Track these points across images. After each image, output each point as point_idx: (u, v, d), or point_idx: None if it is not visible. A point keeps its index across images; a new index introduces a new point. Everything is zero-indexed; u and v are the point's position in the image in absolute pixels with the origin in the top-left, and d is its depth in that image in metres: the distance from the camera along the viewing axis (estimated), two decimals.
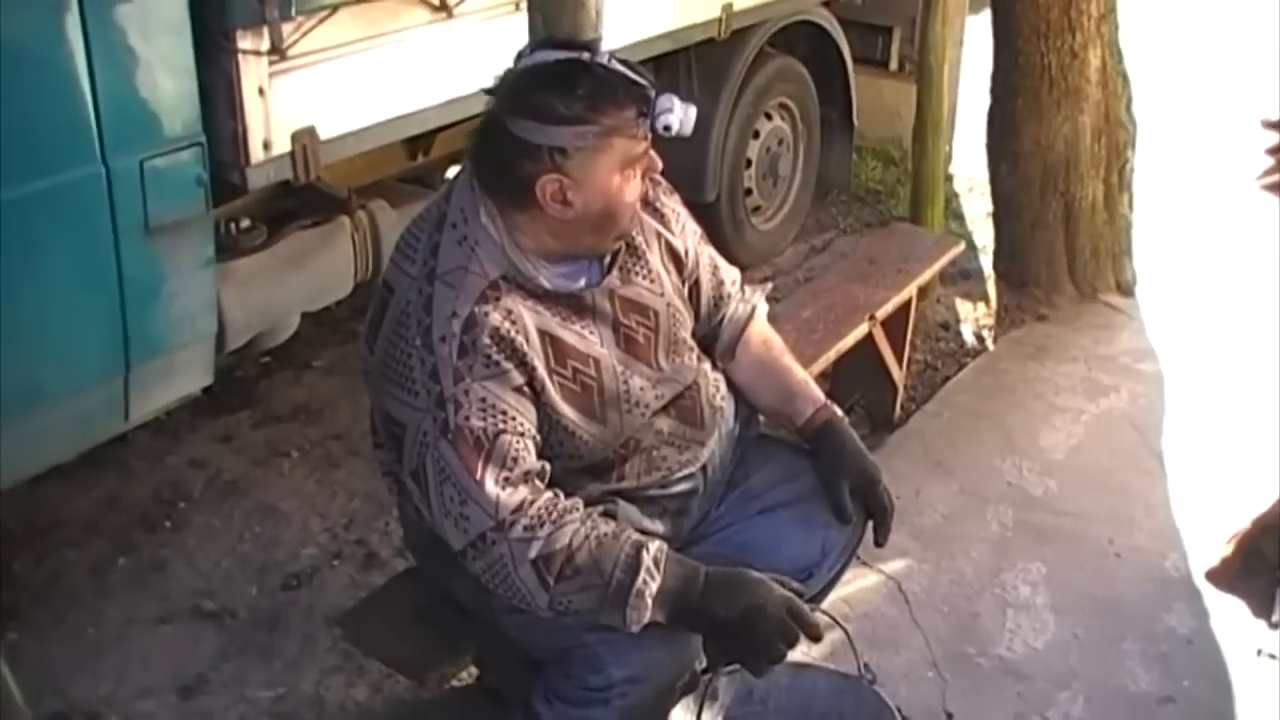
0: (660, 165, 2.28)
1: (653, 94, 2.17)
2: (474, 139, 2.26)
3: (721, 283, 2.60)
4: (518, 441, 2.13)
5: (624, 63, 2.19)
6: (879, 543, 2.57)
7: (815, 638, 2.23)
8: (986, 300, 5.31)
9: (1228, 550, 3.50)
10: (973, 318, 5.21)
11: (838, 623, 2.40)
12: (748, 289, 2.69)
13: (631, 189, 2.22)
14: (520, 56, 2.20)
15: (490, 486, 2.09)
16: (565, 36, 2.31)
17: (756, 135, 5.45)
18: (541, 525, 2.10)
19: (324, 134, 3.32)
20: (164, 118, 2.96)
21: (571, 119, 2.11)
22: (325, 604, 3.46)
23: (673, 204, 2.51)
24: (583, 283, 2.31)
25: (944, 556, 3.67)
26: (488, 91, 2.19)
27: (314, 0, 3.14)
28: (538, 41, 2.23)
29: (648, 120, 2.16)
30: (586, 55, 2.15)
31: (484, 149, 2.22)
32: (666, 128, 2.17)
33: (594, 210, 2.18)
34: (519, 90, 2.15)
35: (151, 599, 3.49)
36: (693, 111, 2.21)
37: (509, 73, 2.19)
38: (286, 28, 3.11)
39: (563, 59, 2.15)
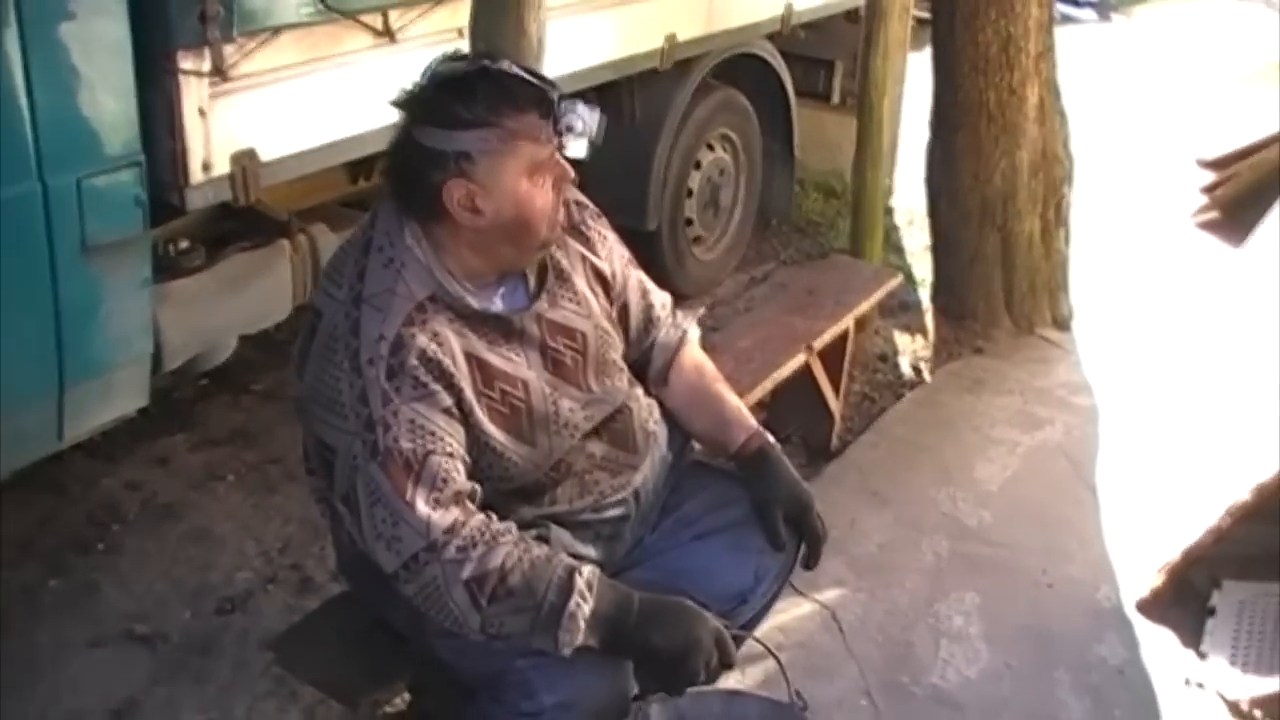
0: (572, 173, 2.29)
1: (555, 97, 2.19)
2: (386, 154, 2.28)
3: (650, 306, 2.61)
4: (447, 462, 2.13)
5: (525, 69, 2.21)
6: (809, 567, 2.59)
7: (729, 666, 2.24)
8: (924, 333, 5.36)
9: (1158, 581, 3.55)
10: (910, 350, 5.25)
11: (770, 651, 2.41)
12: (679, 314, 2.69)
13: (542, 195, 2.22)
14: (428, 70, 2.21)
15: (421, 507, 2.09)
16: (471, 52, 2.31)
17: (698, 166, 5.47)
18: (474, 546, 2.09)
19: (264, 156, 3.32)
20: (103, 136, 2.95)
21: (473, 123, 2.12)
22: (259, 628, 3.43)
23: (599, 227, 2.52)
24: (508, 304, 2.31)
25: (879, 586, 3.68)
26: (395, 104, 2.21)
27: (256, 22, 3.15)
28: (445, 56, 2.24)
29: (551, 123, 2.18)
30: (487, 62, 2.17)
31: (394, 162, 2.24)
32: (569, 128, 2.19)
33: (505, 217, 2.18)
34: (422, 99, 2.18)
35: (83, 622, 3.45)
36: (597, 115, 2.22)
37: (415, 85, 2.21)
38: (228, 49, 3.11)
39: (464, 67, 2.17)
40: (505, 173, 2.16)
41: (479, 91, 2.13)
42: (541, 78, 2.22)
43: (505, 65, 2.17)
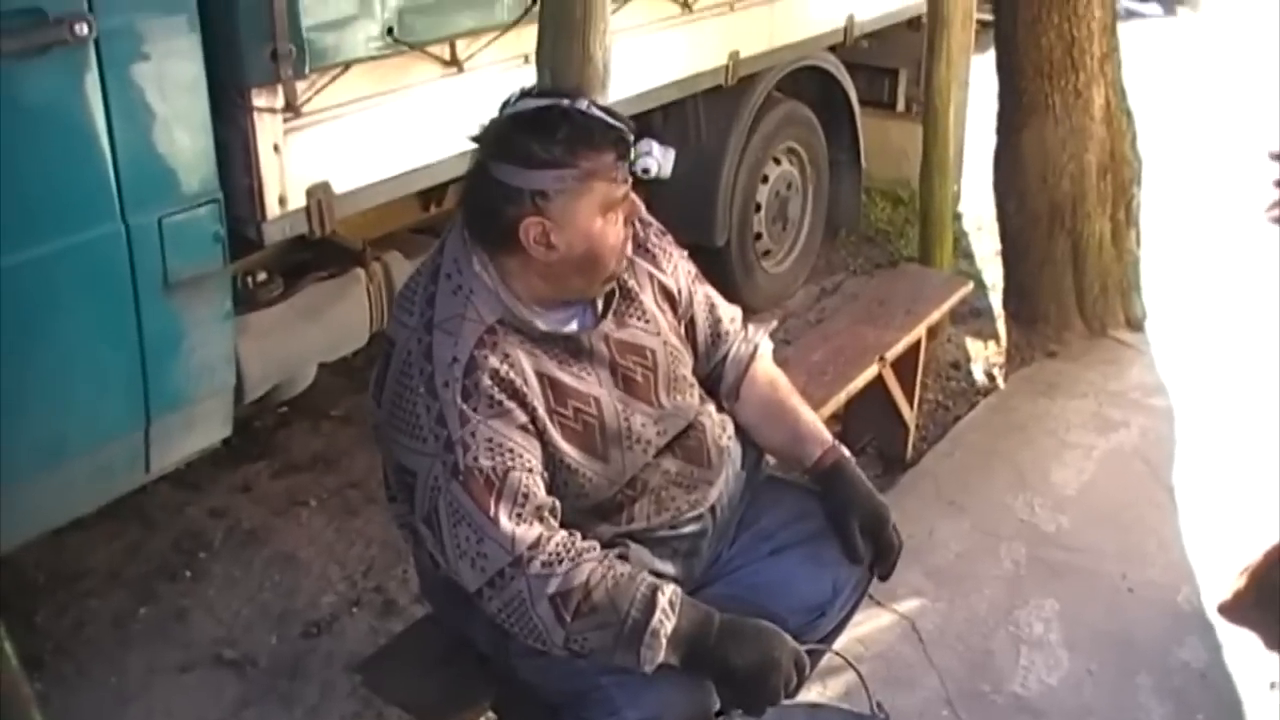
0: (643, 209, 2.34)
1: (631, 138, 2.23)
2: (462, 187, 2.33)
3: (719, 320, 2.63)
4: (527, 478, 2.17)
5: (603, 108, 2.24)
6: (883, 578, 2.61)
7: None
8: (996, 338, 5.34)
9: (1240, 583, 3.51)
10: (983, 356, 5.23)
11: (850, 664, 2.41)
12: (750, 328, 2.71)
13: (614, 232, 2.26)
14: (505, 105, 2.26)
15: (505, 523, 2.13)
16: (549, 87, 2.35)
17: (765, 179, 5.49)
18: (560, 562, 2.13)
19: (338, 188, 3.36)
20: (182, 175, 3.00)
21: (551, 163, 2.16)
22: (344, 651, 3.49)
23: (664, 244, 2.55)
24: (576, 325, 2.35)
25: (957, 594, 3.68)
26: (473, 139, 2.25)
27: (327, 58, 3.20)
28: (523, 91, 2.28)
29: (627, 164, 2.22)
30: (566, 101, 2.21)
31: (471, 195, 2.28)
32: (645, 170, 2.25)
33: (577, 252, 2.22)
34: (501, 136, 2.21)
35: (173, 648, 3.52)
36: (671, 155, 2.27)
37: (493, 120, 2.25)
38: (300, 85, 3.15)
39: (543, 105, 2.21)
40: (580, 211, 2.20)
41: (558, 132, 2.16)
42: (618, 117, 2.25)
43: (583, 105, 2.21)
